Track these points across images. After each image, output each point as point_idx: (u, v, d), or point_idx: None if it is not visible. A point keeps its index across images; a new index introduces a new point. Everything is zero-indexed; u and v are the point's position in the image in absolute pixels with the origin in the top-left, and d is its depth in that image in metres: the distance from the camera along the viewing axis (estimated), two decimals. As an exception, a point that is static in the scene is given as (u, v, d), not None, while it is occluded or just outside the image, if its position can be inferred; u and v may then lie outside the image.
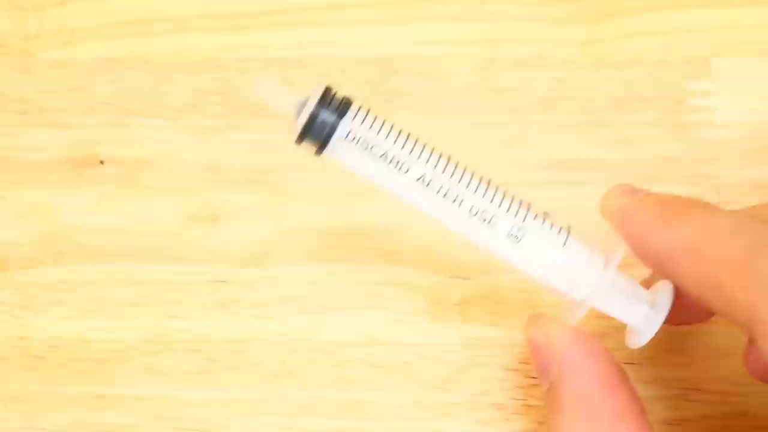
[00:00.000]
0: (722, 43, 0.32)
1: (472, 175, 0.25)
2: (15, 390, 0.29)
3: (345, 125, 0.24)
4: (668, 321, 0.24)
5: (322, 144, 0.24)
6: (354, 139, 0.24)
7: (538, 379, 0.24)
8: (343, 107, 0.24)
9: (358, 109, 0.24)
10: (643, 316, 0.24)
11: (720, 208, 0.22)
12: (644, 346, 0.27)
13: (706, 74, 0.32)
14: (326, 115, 0.24)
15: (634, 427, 0.22)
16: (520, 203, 0.24)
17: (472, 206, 0.24)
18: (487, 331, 0.29)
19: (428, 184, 0.24)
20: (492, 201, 0.24)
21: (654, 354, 0.28)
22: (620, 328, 0.28)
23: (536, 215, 0.24)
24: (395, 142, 0.24)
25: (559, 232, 0.24)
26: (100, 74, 0.33)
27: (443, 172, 0.24)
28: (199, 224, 0.31)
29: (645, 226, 0.23)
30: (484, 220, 0.24)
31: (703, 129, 0.31)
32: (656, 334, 0.24)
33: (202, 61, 0.33)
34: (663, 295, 0.24)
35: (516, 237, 0.24)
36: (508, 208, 0.24)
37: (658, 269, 0.23)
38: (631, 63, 0.32)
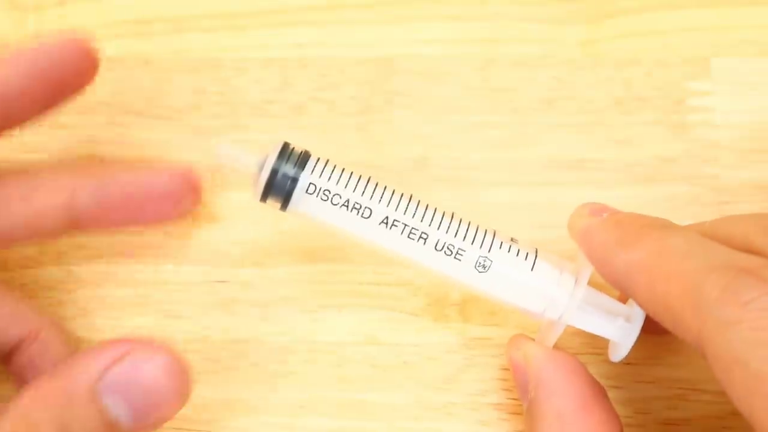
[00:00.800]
0: (722, 43, 0.32)
1: (435, 210, 0.25)
2: (14, 390, 0.29)
3: (305, 178, 0.25)
4: (647, 330, 0.24)
5: (285, 199, 0.25)
6: (315, 190, 0.25)
7: (520, 398, 0.25)
8: (301, 161, 0.25)
9: (317, 161, 0.25)
10: (619, 329, 0.25)
11: (679, 228, 0.23)
12: (644, 347, 0.27)
13: (706, 74, 0.32)
14: (286, 170, 0.25)
15: None
16: (485, 233, 0.25)
17: (437, 241, 0.25)
18: (487, 331, 0.29)
19: (391, 226, 0.25)
20: (456, 234, 0.25)
21: (654, 354, 0.28)
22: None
23: (501, 243, 0.25)
24: (355, 189, 0.25)
25: (526, 257, 0.25)
26: (99, 74, 0.33)
27: (405, 212, 0.25)
28: (199, 224, 0.31)
29: (605, 248, 0.24)
30: (450, 254, 0.25)
31: (703, 129, 0.31)
32: (657, 336, 0.24)
33: (202, 61, 0.33)
34: (637, 307, 0.24)
35: (483, 266, 0.25)
36: (473, 239, 0.25)
37: (618, 288, 0.23)
38: (630, 63, 0.32)
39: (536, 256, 0.25)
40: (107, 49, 0.33)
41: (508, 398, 0.28)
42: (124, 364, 0.22)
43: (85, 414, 0.22)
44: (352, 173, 0.25)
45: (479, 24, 0.33)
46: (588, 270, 0.24)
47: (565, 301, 0.25)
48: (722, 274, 0.20)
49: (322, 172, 0.25)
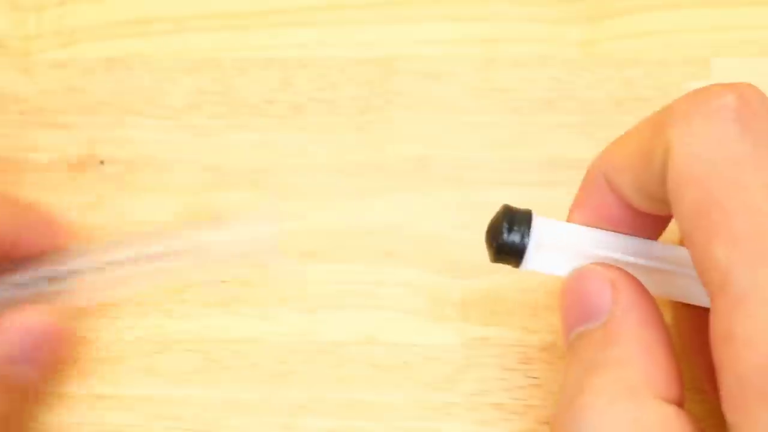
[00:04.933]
0: (722, 43, 0.32)
1: None
2: (15, 390, 0.29)
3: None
4: None
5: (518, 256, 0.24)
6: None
7: (575, 325, 0.23)
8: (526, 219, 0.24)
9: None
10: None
11: None
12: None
13: (706, 74, 0.32)
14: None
15: (674, 356, 0.22)
16: None
17: None
18: (487, 331, 0.29)
19: None
20: None
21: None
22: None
23: None
24: None
25: None
26: (99, 74, 0.33)
27: None
28: (199, 224, 0.31)
29: None
30: None
31: (703, 129, 0.31)
32: None
33: (202, 61, 0.33)
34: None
35: None
36: None
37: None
38: (630, 63, 0.32)
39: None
40: (107, 49, 0.33)
41: (508, 398, 0.28)
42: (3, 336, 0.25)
43: None
44: None
45: (479, 24, 0.33)
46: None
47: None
48: None
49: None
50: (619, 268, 0.23)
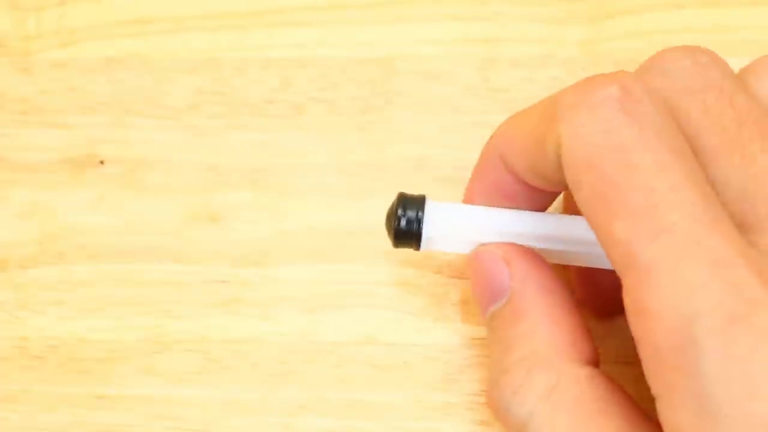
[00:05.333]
0: (722, 43, 0.32)
1: None
2: (15, 390, 0.29)
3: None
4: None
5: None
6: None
7: (487, 306, 0.24)
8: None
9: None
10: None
11: None
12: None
13: (706, 74, 0.32)
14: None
15: (580, 316, 0.23)
16: None
17: None
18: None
19: None
20: None
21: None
22: (621, 328, 0.28)
23: None
24: None
25: None
26: (100, 74, 0.33)
27: None
28: (199, 224, 0.31)
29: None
30: None
31: (703, 129, 0.31)
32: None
33: (202, 61, 0.33)
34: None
35: None
36: None
37: None
38: (630, 63, 0.32)
39: None
40: (107, 49, 0.33)
41: (508, 398, 0.28)
42: None
43: None
44: None
45: (479, 24, 0.33)
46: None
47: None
48: None
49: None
50: (510, 244, 0.24)
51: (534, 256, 0.24)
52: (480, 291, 0.25)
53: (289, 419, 0.28)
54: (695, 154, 0.21)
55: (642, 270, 0.19)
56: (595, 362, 0.23)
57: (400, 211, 0.25)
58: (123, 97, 0.33)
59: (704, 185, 0.20)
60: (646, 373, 0.19)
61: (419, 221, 0.25)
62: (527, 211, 0.25)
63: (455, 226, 0.25)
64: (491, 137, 0.25)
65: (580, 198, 0.20)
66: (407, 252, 0.30)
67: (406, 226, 0.25)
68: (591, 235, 0.21)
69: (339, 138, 0.32)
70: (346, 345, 0.29)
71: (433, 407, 0.28)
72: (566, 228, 0.25)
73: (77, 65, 0.33)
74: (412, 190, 0.26)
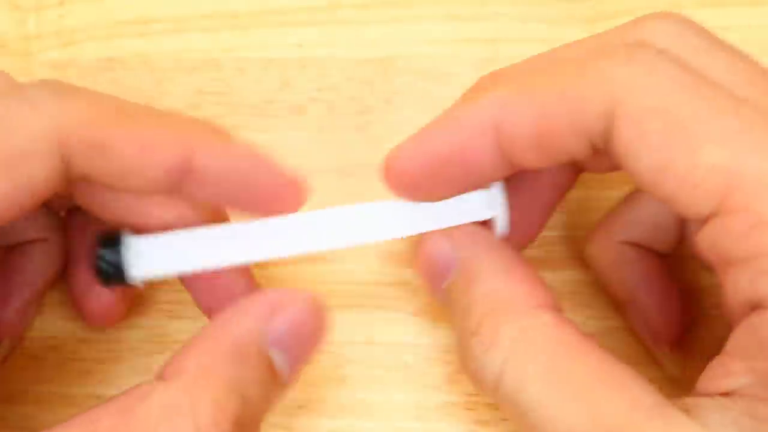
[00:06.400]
0: (722, 43, 0.32)
1: None
2: (14, 390, 0.29)
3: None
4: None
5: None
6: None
7: (439, 283, 0.25)
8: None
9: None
10: (486, 202, 0.25)
11: None
12: (642, 346, 0.27)
13: (706, 74, 0.32)
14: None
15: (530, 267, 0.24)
16: None
17: None
18: (487, 331, 0.29)
19: None
20: None
21: (653, 354, 0.28)
22: (620, 329, 0.28)
23: None
24: None
25: None
26: (100, 74, 0.33)
27: None
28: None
29: None
30: None
31: (703, 129, 0.31)
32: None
33: (202, 61, 0.33)
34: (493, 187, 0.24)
35: None
36: None
37: None
38: (631, 63, 0.32)
39: None
40: (107, 49, 0.33)
41: (507, 398, 0.28)
42: (284, 317, 0.23)
43: (257, 370, 0.22)
44: None
45: (479, 24, 0.33)
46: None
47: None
48: None
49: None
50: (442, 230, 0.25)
51: (470, 225, 0.24)
52: (428, 271, 0.25)
53: (288, 419, 0.28)
54: None
55: (757, 184, 0.19)
56: (556, 308, 0.23)
57: (99, 252, 0.24)
58: (123, 97, 0.33)
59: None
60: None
61: (118, 259, 0.24)
62: (226, 225, 0.25)
63: (162, 253, 0.24)
64: (483, 104, 0.23)
65: (644, 148, 0.20)
66: (407, 252, 0.30)
67: (105, 267, 0.24)
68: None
69: (339, 138, 0.32)
70: (345, 345, 0.29)
71: (432, 407, 0.28)
72: (273, 232, 0.25)
73: (77, 65, 0.33)
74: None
